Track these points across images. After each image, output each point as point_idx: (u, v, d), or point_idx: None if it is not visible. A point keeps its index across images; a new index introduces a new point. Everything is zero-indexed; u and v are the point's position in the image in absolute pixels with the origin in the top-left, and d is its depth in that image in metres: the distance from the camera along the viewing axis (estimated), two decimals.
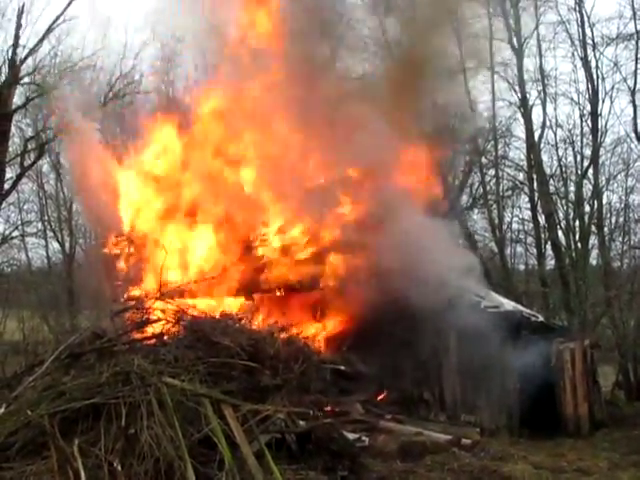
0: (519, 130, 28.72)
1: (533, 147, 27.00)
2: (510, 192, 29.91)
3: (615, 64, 25.72)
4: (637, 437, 15.22)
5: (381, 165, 16.97)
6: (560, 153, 27.67)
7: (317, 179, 18.20)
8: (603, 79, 25.90)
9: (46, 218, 32.94)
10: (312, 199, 17.74)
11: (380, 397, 15.66)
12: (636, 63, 25.06)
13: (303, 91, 17.23)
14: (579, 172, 26.78)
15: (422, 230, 16.01)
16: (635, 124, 25.00)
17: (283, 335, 14.48)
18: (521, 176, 29.11)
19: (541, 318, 18.24)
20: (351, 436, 12.39)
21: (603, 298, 23.88)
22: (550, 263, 28.06)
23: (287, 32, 18.28)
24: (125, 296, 17.36)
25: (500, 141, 28.90)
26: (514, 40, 26.59)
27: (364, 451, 12.26)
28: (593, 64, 25.89)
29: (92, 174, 18.08)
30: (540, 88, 27.29)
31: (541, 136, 27.42)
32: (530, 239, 29.53)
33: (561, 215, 27.02)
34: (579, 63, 26.37)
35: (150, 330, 13.58)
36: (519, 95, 27.27)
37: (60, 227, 33.00)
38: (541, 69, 27.18)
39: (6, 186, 27.79)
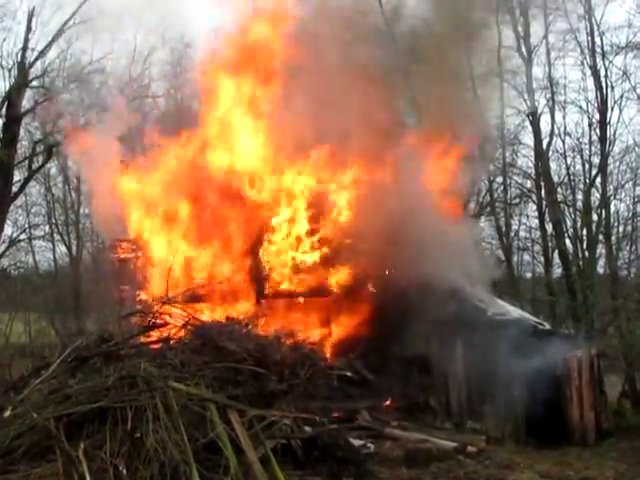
0: (527, 138, 28.80)
1: (541, 155, 26.99)
2: (518, 200, 29.91)
3: (624, 73, 25.78)
4: None
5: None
6: (568, 161, 27.73)
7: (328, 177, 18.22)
8: (612, 88, 25.95)
9: (53, 221, 33.13)
10: (322, 200, 17.81)
11: (386, 404, 15.63)
12: None
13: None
14: (587, 180, 26.77)
15: (436, 236, 16.02)
16: None
17: (290, 341, 14.49)
18: (529, 184, 29.14)
19: (548, 326, 18.18)
20: (357, 442, 12.35)
21: (610, 307, 23.80)
22: (557, 271, 28.08)
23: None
24: (132, 300, 17.38)
25: (508, 148, 28.92)
26: (523, 48, 26.62)
27: (370, 458, 12.20)
28: (602, 72, 25.93)
29: (102, 178, 18.14)
30: (549, 96, 27.35)
31: (549, 144, 27.46)
32: (537, 247, 29.58)
33: (569, 223, 27.01)
34: (588, 71, 26.45)
35: (157, 334, 13.59)
36: (528, 103, 27.28)
37: (67, 230, 33.17)
38: (550, 77, 27.22)
39: (14, 189, 27.88)
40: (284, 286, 17.57)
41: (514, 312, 17.74)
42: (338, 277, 17.35)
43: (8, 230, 29.47)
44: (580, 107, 27.20)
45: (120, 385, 10.80)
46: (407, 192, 16.69)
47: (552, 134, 27.38)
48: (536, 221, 28.67)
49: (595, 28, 25.76)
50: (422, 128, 18.83)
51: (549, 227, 27.30)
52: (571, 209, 27.23)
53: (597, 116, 26.12)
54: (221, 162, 18.22)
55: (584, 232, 26.32)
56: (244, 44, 18.87)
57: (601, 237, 25.97)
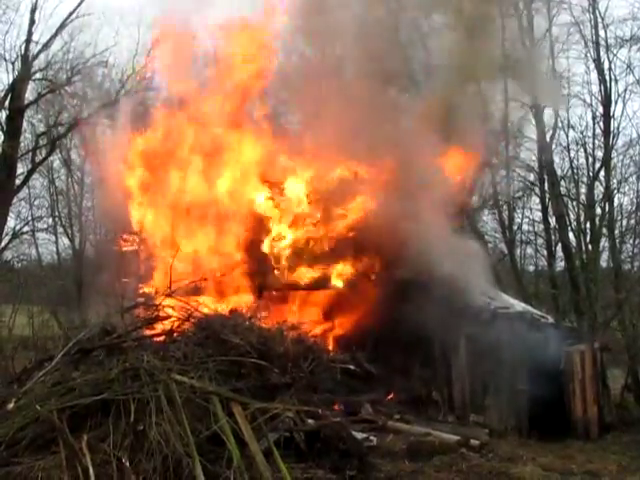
0: (530, 131, 28.59)
1: (544, 148, 26.85)
2: (521, 193, 29.82)
3: (628, 66, 25.59)
4: None
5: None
6: (572, 154, 27.50)
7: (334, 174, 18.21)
8: (616, 81, 25.74)
9: (56, 214, 33.07)
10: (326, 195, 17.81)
11: (389, 397, 15.64)
12: None
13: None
14: (591, 174, 26.62)
15: (438, 230, 16.01)
16: None
17: (293, 334, 14.48)
18: (532, 177, 29.00)
19: (551, 320, 18.17)
20: (360, 435, 12.37)
21: (613, 300, 23.76)
22: (560, 265, 27.98)
23: None
24: (135, 292, 17.38)
25: (511, 142, 28.79)
26: (527, 41, 26.48)
27: (372, 451, 12.22)
28: (606, 66, 25.72)
29: (107, 169, 18.14)
30: None
31: (553, 137, 27.28)
32: (540, 240, 29.42)
33: (572, 217, 26.83)
34: (592, 65, 26.25)
35: (160, 327, 13.60)
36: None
37: (70, 223, 33.16)
38: (554, 70, 27.06)
39: (17, 181, 27.88)
40: (287, 279, 17.55)
41: (517, 305, 17.74)
42: (341, 270, 17.35)
43: (11, 222, 29.45)
44: (584, 100, 27.05)
45: (123, 378, 10.83)
46: (413, 188, 16.72)
47: (555, 127, 27.22)
48: (539, 214, 28.58)
49: (599, 21, 25.59)
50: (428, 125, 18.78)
51: (552, 220, 27.17)
52: (574, 202, 27.08)
53: (601, 109, 25.95)
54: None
55: (587, 225, 26.20)
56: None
57: (604, 230, 25.85)
